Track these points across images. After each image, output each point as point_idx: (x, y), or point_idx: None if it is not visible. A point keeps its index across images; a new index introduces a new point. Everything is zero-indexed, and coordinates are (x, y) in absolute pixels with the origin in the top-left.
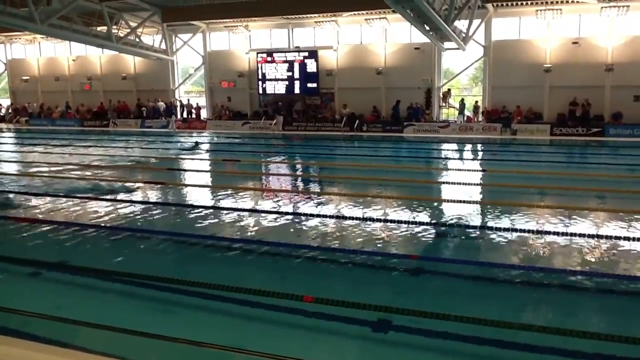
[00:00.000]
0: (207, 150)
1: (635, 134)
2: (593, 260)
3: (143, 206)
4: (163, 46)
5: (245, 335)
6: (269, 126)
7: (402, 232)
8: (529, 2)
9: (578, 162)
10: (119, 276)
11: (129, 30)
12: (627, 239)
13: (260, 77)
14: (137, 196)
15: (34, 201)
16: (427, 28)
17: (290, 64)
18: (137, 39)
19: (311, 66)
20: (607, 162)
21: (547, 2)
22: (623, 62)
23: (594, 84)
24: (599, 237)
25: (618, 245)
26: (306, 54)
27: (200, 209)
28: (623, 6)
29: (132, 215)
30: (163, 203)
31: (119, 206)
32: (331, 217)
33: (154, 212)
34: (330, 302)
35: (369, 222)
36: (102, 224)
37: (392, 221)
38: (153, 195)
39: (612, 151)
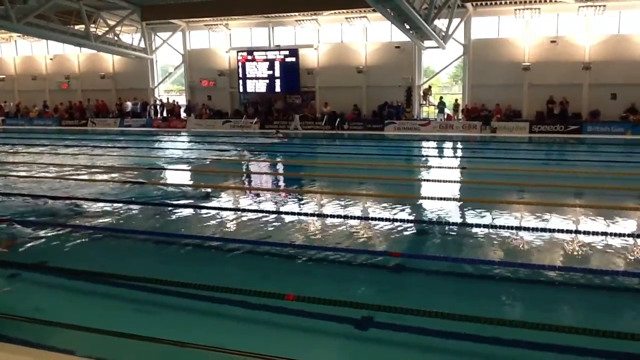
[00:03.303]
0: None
1: (613, 131)
2: (572, 255)
3: (124, 206)
4: (142, 45)
5: (227, 335)
6: (250, 125)
7: (383, 229)
8: (508, 2)
9: (557, 159)
10: (100, 277)
11: (107, 29)
12: (606, 234)
13: (240, 75)
14: (120, 196)
15: (15, 201)
16: (408, 27)
17: (271, 62)
18: (116, 38)
19: (292, 65)
20: (585, 159)
21: (525, 2)
22: (600, 60)
23: (572, 82)
24: (577, 232)
25: (597, 240)
26: (287, 52)
27: (183, 209)
28: (600, 5)
29: (113, 215)
30: (144, 203)
31: (101, 206)
32: (313, 215)
33: (135, 212)
34: (312, 300)
35: (350, 220)
36: (84, 224)
37: (373, 219)
38: (134, 195)
39: (590, 148)
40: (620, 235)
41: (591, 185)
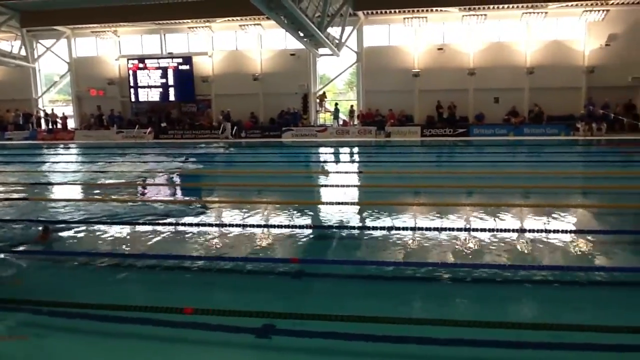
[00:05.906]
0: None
1: (497, 133)
2: (465, 251)
3: (6, 224)
4: (23, 52)
5: (123, 354)
6: (144, 135)
7: (283, 236)
8: (397, 11)
9: (447, 160)
10: None
11: None
12: (493, 230)
13: (132, 84)
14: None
15: None
16: (302, 34)
17: (164, 70)
18: None
19: (186, 73)
20: (473, 159)
21: (413, 11)
22: (483, 66)
23: (459, 87)
24: (467, 230)
25: (484, 236)
26: (180, 60)
27: (71, 224)
28: (481, 15)
29: None
30: (27, 220)
31: None
32: (212, 225)
33: (18, 230)
34: (210, 312)
35: (250, 229)
36: None
37: (272, 226)
38: (14, 211)
39: (477, 150)
40: (505, 230)
41: (479, 184)
